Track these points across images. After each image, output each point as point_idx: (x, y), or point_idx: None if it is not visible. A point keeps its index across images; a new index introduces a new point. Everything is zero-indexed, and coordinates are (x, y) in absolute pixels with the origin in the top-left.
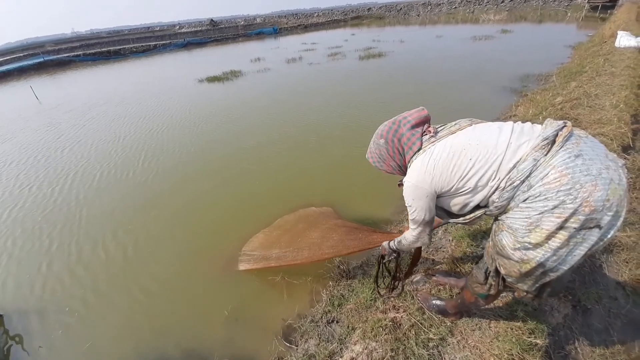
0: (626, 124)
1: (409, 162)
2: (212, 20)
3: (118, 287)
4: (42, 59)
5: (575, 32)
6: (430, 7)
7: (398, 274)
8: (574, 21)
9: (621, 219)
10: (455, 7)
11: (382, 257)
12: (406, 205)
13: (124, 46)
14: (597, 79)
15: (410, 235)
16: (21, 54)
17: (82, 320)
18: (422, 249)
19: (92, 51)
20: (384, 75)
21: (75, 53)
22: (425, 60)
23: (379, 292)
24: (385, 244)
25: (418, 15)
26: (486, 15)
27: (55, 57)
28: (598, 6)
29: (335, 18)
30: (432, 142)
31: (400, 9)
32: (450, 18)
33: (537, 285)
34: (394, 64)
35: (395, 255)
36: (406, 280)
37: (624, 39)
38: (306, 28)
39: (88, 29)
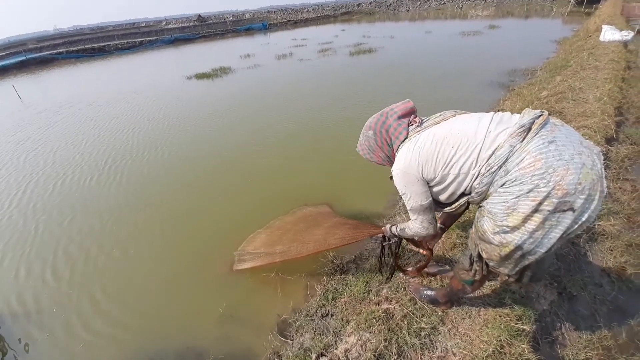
0: (610, 117)
1: (396, 151)
2: (199, 15)
3: (105, 288)
4: (24, 57)
5: (561, 26)
6: (419, 2)
7: (396, 261)
8: (559, 16)
9: (595, 202)
10: (444, 3)
11: (385, 239)
12: (400, 194)
13: (109, 43)
14: (581, 73)
15: (413, 225)
16: (2, 53)
17: (73, 321)
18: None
19: (76, 48)
20: (374, 71)
21: (58, 50)
22: (414, 56)
23: (381, 273)
24: (387, 227)
25: (407, 11)
26: (474, 10)
27: (37, 55)
28: (583, 1)
29: (325, 14)
30: (418, 131)
31: (390, 4)
32: (439, 14)
33: (517, 268)
34: (384, 59)
35: (395, 240)
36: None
37: (608, 33)
38: (296, 24)
39: (71, 26)
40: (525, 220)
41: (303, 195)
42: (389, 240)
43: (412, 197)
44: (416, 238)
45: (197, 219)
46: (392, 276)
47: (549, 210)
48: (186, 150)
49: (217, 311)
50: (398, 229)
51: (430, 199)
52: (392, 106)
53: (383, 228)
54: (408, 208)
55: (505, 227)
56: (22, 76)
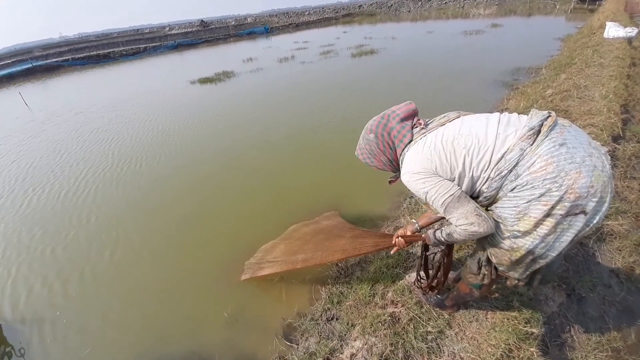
0: (616, 114)
1: (400, 155)
2: (202, 21)
3: (109, 294)
4: (30, 65)
5: (564, 24)
6: (420, 2)
7: (439, 273)
8: (562, 13)
9: (606, 204)
10: (446, 3)
11: (426, 247)
12: (422, 197)
13: (113, 49)
14: (586, 71)
15: (459, 229)
16: (9, 61)
17: (80, 326)
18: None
19: (81, 55)
20: (376, 72)
21: (64, 58)
22: (416, 56)
23: (420, 287)
24: (430, 233)
25: (409, 11)
26: (476, 9)
27: (43, 62)
28: None
29: (327, 16)
30: (423, 133)
31: (391, 5)
32: (440, 13)
33: (527, 272)
34: (386, 60)
35: (442, 248)
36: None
37: (612, 30)
38: (298, 27)
39: (76, 33)
40: (537, 224)
41: (306, 199)
42: (434, 249)
43: (437, 190)
44: (468, 241)
45: (197, 225)
46: (439, 290)
47: (561, 214)
48: (187, 156)
49: (222, 316)
50: (444, 234)
51: (458, 186)
52: (394, 108)
53: (424, 235)
54: (441, 210)
55: (515, 232)
56: (28, 83)
